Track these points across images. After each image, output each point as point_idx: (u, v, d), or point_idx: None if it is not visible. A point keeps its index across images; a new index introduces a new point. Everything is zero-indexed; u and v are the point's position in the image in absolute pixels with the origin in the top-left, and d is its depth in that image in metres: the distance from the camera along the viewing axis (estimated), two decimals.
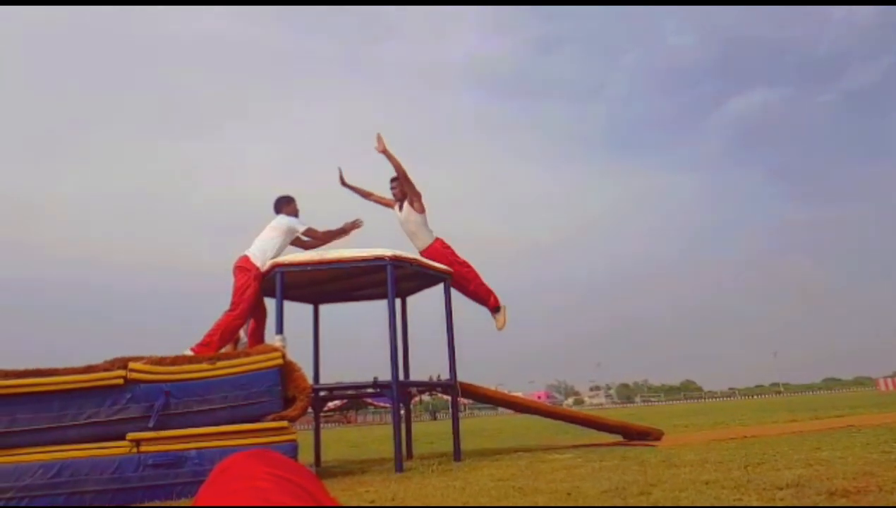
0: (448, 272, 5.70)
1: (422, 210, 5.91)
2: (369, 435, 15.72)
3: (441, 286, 5.73)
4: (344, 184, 6.06)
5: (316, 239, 5.59)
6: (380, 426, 32.20)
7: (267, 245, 5.18)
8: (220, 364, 4.11)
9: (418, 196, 5.90)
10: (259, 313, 5.36)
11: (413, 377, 6.05)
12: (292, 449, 3.96)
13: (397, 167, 5.74)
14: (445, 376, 5.67)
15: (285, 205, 5.50)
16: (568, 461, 4.50)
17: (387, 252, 5.06)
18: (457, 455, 5.38)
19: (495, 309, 6.20)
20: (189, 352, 4.67)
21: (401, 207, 5.96)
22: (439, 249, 5.97)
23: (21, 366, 3.77)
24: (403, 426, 5.68)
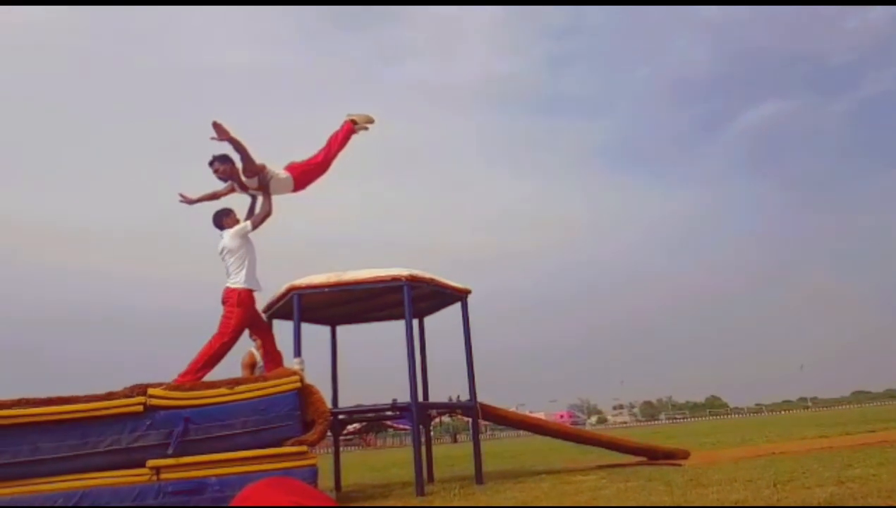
0: (465, 291, 5.67)
1: (262, 167, 5.38)
2: (389, 459, 15.63)
3: (458, 305, 5.71)
4: (192, 202, 5.67)
5: (262, 221, 5.33)
6: (400, 449, 32.00)
7: (237, 268, 5.12)
8: (238, 388, 4.11)
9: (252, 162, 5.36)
10: (261, 330, 5.29)
11: (432, 398, 6.02)
12: (312, 475, 3.94)
13: (239, 145, 5.20)
14: (465, 397, 5.62)
15: (225, 217, 5.41)
16: (592, 482, 4.43)
17: (403, 272, 5.06)
18: (479, 478, 5.31)
19: (351, 126, 5.78)
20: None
21: (241, 185, 5.49)
22: (298, 174, 5.58)
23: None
24: (424, 449, 5.63)
